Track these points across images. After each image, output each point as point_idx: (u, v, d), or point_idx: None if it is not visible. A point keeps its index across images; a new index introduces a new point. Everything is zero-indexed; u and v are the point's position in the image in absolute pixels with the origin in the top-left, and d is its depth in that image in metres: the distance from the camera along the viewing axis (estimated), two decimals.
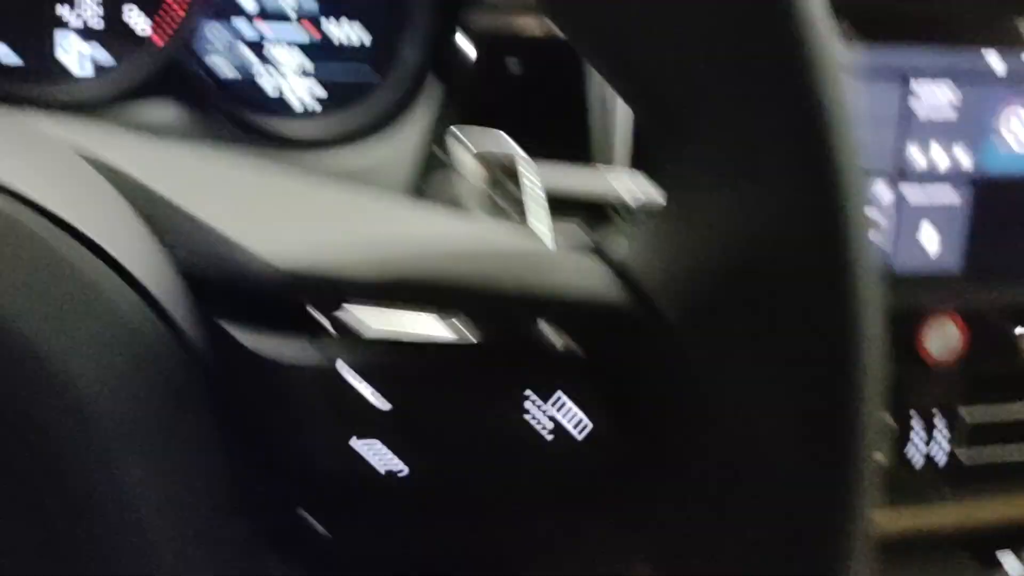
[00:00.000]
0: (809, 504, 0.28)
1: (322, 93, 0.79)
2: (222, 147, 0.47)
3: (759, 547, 0.29)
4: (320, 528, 0.31)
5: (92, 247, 0.27)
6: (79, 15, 0.72)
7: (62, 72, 0.73)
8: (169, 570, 0.27)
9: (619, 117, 0.71)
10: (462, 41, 0.73)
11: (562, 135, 0.76)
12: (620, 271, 0.32)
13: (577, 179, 0.44)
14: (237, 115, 0.74)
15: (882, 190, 0.81)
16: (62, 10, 0.72)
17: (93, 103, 0.72)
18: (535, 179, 0.41)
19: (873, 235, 0.28)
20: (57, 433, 0.26)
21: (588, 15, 0.29)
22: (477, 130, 0.42)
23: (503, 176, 0.41)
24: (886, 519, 0.81)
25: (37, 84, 0.71)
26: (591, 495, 0.32)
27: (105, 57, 0.73)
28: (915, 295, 0.82)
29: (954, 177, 0.82)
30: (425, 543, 0.33)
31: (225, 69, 0.77)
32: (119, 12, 0.73)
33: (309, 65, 0.78)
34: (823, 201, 0.27)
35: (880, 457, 0.28)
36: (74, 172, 0.31)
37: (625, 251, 0.33)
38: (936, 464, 0.81)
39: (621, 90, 0.32)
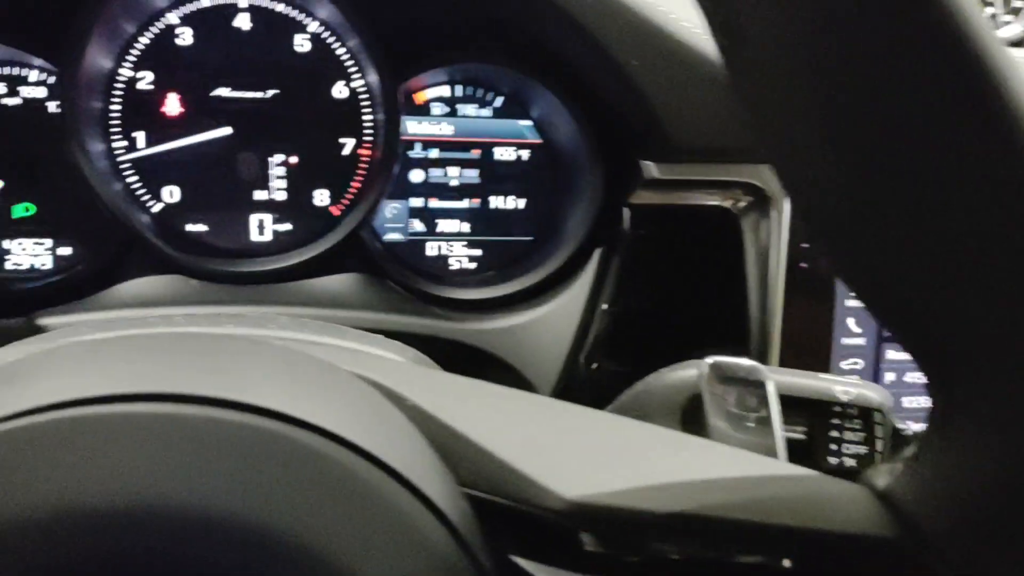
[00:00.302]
0: None
1: (477, 252, 0.84)
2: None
3: None
4: None
5: (404, 483, 0.30)
6: (270, 196, 0.78)
7: (251, 245, 0.79)
8: None
9: (777, 301, 0.74)
10: (624, 214, 0.76)
11: (716, 308, 0.79)
12: (887, 500, 0.34)
13: (807, 386, 0.47)
14: (406, 282, 0.79)
15: None
16: (259, 194, 0.78)
17: (279, 276, 0.77)
18: (774, 395, 0.44)
19: None
20: None
21: (883, 280, 0.30)
22: (724, 358, 0.45)
23: (743, 391, 0.44)
24: None
25: (229, 259, 0.77)
26: None
27: (289, 230, 0.79)
28: None
29: None
30: None
31: (393, 236, 0.83)
32: (308, 195, 0.79)
33: (467, 228, 0.84)
34: None
35: None
36: (372, 406, 0.34)
37: (888, 480, 0.34)
38: None
39: (896, 332, 0.33)
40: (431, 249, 0.83)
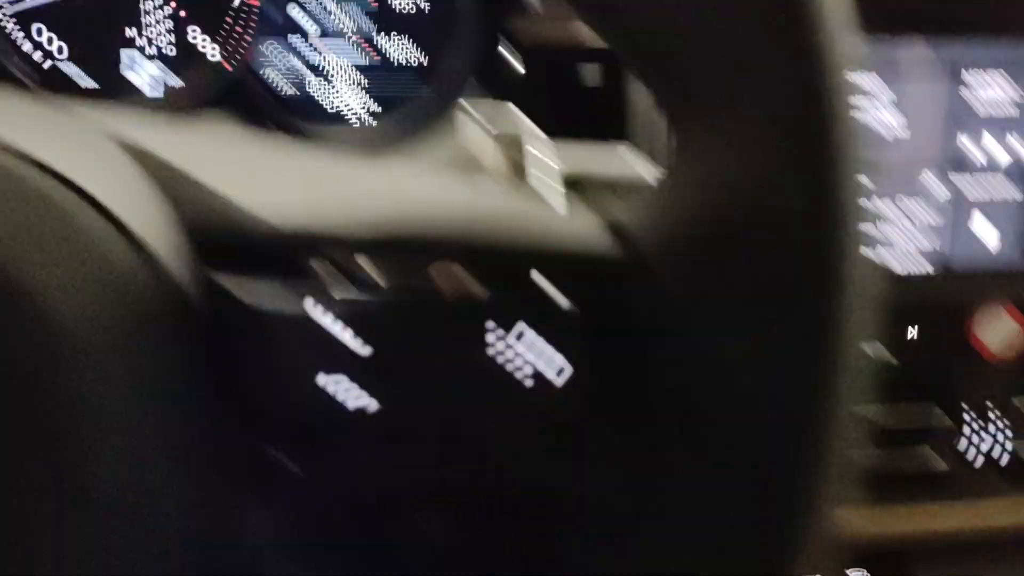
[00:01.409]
0: (779, 460, 0.29)
1: (376, 108, 0.83)
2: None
3: (730, 500, 0.30)
4: (291, 465, 0.33)
5: (91, 201, 0.29)
6: (147, 36, 0.77)
7: (133, 92, 0.78)
8: (145, 509, 0.29)
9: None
10: (508, 51, 0.75)
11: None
12: (615, 227, 0.34)
13: (591, 157, 0.46)
14: (293, 126, 0.79)
15: (935, 183, 0.80)
16: (131, 32, 0.77)
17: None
18: (546, 152, 0.43)
19: (867, 217, 0.28)
20: (45, 368, 0.27)
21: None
22: (488, 103, 0.44)
23: (513, 149, 0.43)
24: (945, 516, 0.79)
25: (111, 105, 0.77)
26: (567, 435, 0.34)
27: (171, 77, 0.78)
28: (971, 288, 0.80)
29: (1010, 169, 0.81)
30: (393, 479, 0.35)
31: (285, 86, 0.82)
32: (185, 34, 0.78)
33: (364, 80, 0.83)
34: (811, 176, 0.28)
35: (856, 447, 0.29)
36: (84, 138, 0.33)
37: (621, 210, 0.35)
38: (996, 461, 0.79)
39: (632, 63, 0.34)
40: (325, 101, 0.82)
